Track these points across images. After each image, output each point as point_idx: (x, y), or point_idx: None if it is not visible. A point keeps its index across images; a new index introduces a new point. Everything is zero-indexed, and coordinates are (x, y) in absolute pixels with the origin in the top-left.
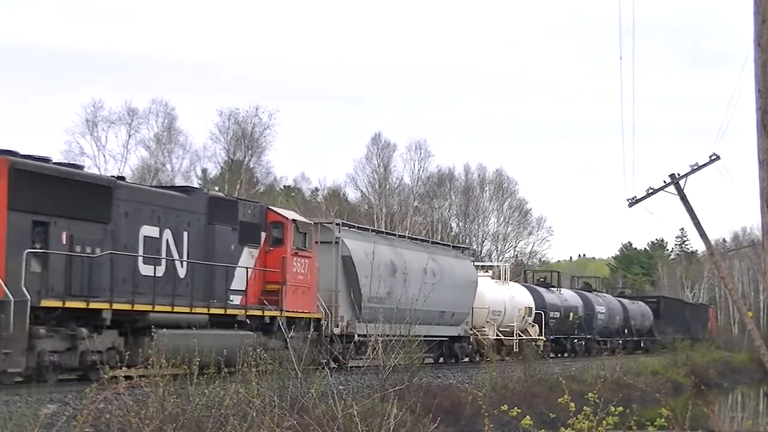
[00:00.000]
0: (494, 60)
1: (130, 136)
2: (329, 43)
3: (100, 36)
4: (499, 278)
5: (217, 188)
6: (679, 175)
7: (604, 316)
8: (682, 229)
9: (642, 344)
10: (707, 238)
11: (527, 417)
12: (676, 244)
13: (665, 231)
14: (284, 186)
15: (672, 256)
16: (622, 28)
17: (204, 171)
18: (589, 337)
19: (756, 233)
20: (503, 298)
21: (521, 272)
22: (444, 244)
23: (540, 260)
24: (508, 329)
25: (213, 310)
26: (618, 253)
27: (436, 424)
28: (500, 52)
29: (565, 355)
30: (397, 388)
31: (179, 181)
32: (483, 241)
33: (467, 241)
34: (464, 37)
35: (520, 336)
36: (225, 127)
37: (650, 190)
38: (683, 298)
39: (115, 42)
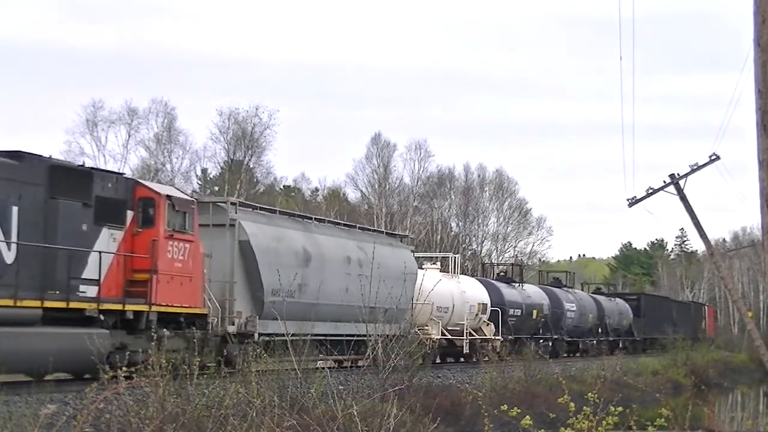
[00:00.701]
0: (494, 60)
1: (130, 136)
2: (329, 42)
3: (100, 36)
4: (450, 271)
5: (217, 188)
6: (679, 175)
7: (574, 314)
8: (682, 229)
9: (621, 344)
10: (707, 238)
11: (527, 417)
12: (676, 244)
13: (665, 231)
14: (284, 186)
15: (672, 256)
16: (622, 28)
17: (204, 171)
18: (556, 337)
19: (756, 233)
20: (451, 292)
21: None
22: (376, 231)
23: (540, 260)
24: (457, 328)
25: (49, 304)
26: (618, 253)
27: (436, 424)
28: (501, 53)
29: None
30: (397, 388)
31: (179, 182)
32: (483, 241)
33: (467, 241)
34: (464, 37)
35: (472, 335)
36: (225, 127)
37: (650, 190)
38: (682, 298)
39: (115, 42)
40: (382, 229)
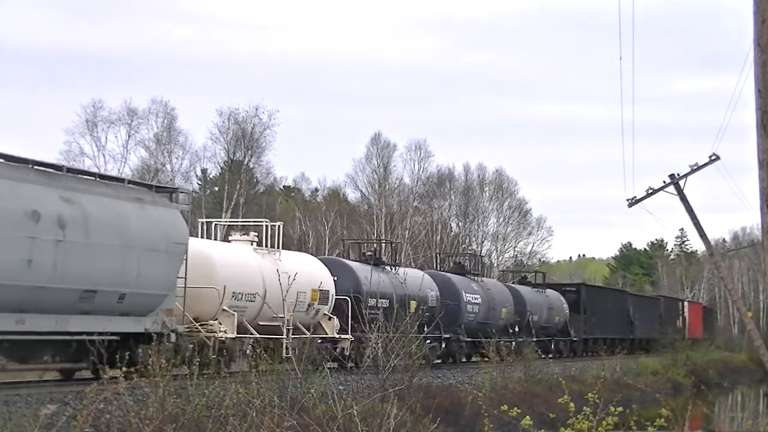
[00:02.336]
0: (494, 60)
1: (129, 136)
2: (329, 43)
3: (100, 36)
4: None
5: (217, 188)
6: (678, 175)
7: (477, 307)
8: (682, 229)
9: (553, 346)
10: (707, 238)
11: (527, 417)
12: (675, 245)
13: (665, 231)
14: (284, 186)
15: (672, 257)
16: (621, 29)
17: (204, 171)
18: (448, 336)
19: (756, 233)
20: (262, 273)
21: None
22: (106, 177)
23: (540, 260)
24: (275, 323)
25: None
26: (618, 253)
27: (436, 425)
28: (501, 53)
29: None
30: (397, 388)
31: (179, 182)
32: (483, 242)
33: (467, 241)
34: (464, 37)
35: (304, 333)
36: (225, 127)
37: (650, 190)
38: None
39: (115, 42)
40: (126, 178)
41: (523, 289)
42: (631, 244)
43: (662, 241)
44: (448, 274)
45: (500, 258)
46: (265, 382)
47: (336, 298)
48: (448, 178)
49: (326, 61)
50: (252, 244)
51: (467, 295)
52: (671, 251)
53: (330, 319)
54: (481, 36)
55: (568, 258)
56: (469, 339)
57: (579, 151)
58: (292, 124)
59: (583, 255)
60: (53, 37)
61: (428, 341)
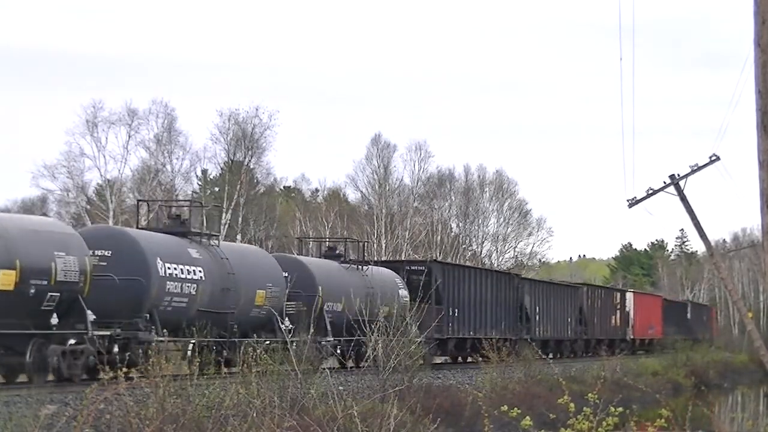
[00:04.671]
0: (494, 60)
1: (130, 136)
2: (329, 43)
3: (100, 36)
4: None
5: (217, 189)
6: (679, 175)
7: (194, 287)
8: (682, 229)
9: (363, 349)
10: (707, 238)
11: (527, 417)
12: (676, 245)
13: (665, 232)
14: (284, 187)
15: (672, 257)
16: (622, 29)
17: (204, 172)
18: (121, 335)
19: (756, 234)
20: None
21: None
22: None
23: (540, 261)
24: None
25: None
26: (618, 253)
27: (436, 425)
28: (500, 53)
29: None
30: (397, 388)
31: (179, 182)
32: (483, 242)
33: (467, 241)
34: (464, 37)
35: None
36: (225, 127)
37: (650, 191)
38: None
39: (115, 42)
40: None
41: (318, 264)
42: (631, 245)
43: (662, 241)
44: (129, 231)
45: (500, 258)
46: (266, 383)
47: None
48: (448, 178)
49: (326, 61)
50: None
51: (171, 267)
52: (671, 252)
53: None
54: (482, 36)
55: (568, 258)
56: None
57: (579, 151)
58: (292, 124)
59: (583, 255)
60: (54, 37)
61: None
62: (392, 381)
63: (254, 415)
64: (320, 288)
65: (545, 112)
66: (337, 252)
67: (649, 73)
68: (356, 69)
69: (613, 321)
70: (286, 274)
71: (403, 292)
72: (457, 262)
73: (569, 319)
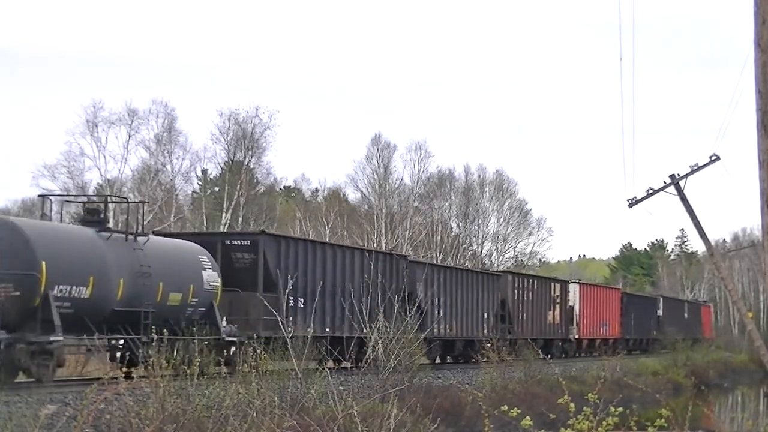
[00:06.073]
0: (494, 60)
1: (130, 136)
2: (329, 43)
3: (100, 36)
4: None
5: (217, 189)
6: (679, 175)
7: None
8: (682, 229)
9: (140, 351)
10: (707, 238)
11: (527, 417)
12: (676, 245)
13: (665, 231)
14: (284, 187)
15: (672, 257)
16: (622, 29)
17: (204, 172)
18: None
19: (756, 233)
20: None
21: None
22: None
23: (540, 261)
24: None
25: None
26: (618, 253)
27: (436, 425)
28: (500, 53)
29: None
30: (397, 388)
31: (179, 182)
32: (483, 242)
33: (467, 241)
34: (464, 37)
35: None
36: (225, 127)
37: (650, 191)
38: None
39: (115, 42)
40: None
41: (43, 228)
42: (631, 245)
43: (662, 241)
44: None
45: (501, 258)
46: (266, 383)
47: None
48: (449, 178)
49: (326, 61)
50: None
51: None
52: (671, 252)
53: None
54: (482, 36)
55: (568, 258)
56: None
57: (579, 152)
58: (292, 124)
59: (584, 255)
60: (54, 37)
61: None
62: (392, 381)
63: (254, 415)
64: (43, 264)
65: (545, 112)
66: (102, 217)
67: (649, 73)
68: (356, 69)
69: (549, 317)
70: None
71: (211, 274)
72: (298, 237)
73: (485, 315)
